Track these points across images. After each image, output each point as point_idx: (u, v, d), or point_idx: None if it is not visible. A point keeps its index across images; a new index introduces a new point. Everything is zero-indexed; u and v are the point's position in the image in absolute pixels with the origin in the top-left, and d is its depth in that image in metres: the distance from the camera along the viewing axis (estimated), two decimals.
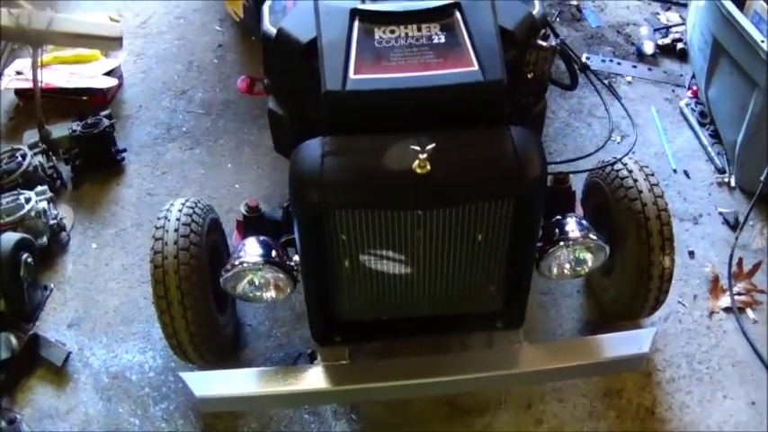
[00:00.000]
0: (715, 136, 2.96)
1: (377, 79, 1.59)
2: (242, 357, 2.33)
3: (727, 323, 2.41)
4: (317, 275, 1.78)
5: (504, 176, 1.59)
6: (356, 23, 1.68)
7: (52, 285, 2.56)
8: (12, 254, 2.35)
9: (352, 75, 1.59)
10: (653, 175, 2.13)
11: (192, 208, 2.09)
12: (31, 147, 2.85)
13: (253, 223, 2.08)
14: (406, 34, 1.66)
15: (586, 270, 1.98)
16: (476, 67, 1.61)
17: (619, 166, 2.14)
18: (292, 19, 1.75)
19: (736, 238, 2.59)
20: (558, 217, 1.97)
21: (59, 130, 2.95)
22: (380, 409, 2.17)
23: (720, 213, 2.72)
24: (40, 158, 2.81)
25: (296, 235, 1.72)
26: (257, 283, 1.92)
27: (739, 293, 2.46)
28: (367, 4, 1.72)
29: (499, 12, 1.73)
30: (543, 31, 1.78)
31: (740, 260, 2.52)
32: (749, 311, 2.43)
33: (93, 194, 2.86)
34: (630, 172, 2.12)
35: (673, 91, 3.24)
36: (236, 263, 1.87)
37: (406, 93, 1.58)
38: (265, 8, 1.84)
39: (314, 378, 1.89)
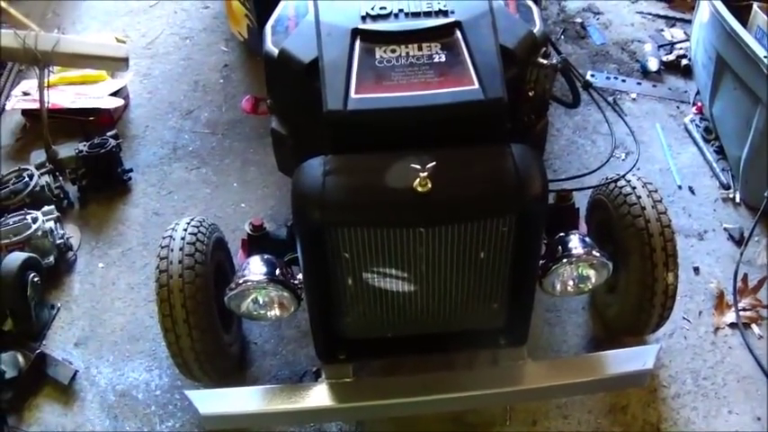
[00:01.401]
0: (720, 152, 2.96)
1: (378, 98, 1.60)
2: (248, 375, 2.33)
3: (733, 339, 2.40)
4: (321, 293, 1.79)
5: (505, 194, 1.60)
6: (357, 43, 1.70)
7: (59, 304, 2.58)
8: (19, 273, 2.37)
9: (353, 94, 1.60)
10: (656, 191, 2.14)
11: (198, 227, 2.10)
12: (38, 167, 2.88)
13: (257, 242, 2.10)
14: (407, 53, 1.67)
15: (590, 287, 1.99)
16: (476, 85, 1.63)
17: (622, 182, 2.14)
18: (294, 39, 1.77)
19: (741, 254, 2.58)
20: (562, 234, 1.97)
21: (66, 151, 2.98)
22: (386, 425, 2.16)
23: (725, 229, 2.71)
24: (47, 178, 2.84)
25: (299, 253, 1.73)
26: (261, 302, 1.93)
27: (744, 309, 2.45)
28: (368, 24, 1.74)
29: (500, 30, 1.74)
30: (544, 49, 1.80)
31: (745, 276, 2.51)
32: (754, 327, 2.42)
33: (99, 214, 2.89)
34: (634, 188, 2.12)
35: (677, 107, 3.24)
36: (241, 281, 1.88)
37: (407, 112, 1.60)
38: (268, 29, 1.87)
39: (318, 395, 1.90)
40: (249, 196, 2.91)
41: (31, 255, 2.48)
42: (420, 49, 1.68)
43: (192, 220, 2.13)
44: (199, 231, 2.09)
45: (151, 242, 2.75)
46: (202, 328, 1.99)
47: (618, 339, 2.31)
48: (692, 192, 2.87)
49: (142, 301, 2.58)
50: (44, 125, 2.90)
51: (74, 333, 2.50)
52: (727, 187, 2.85)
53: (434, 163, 1.48)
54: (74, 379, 2.35)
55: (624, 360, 1.97)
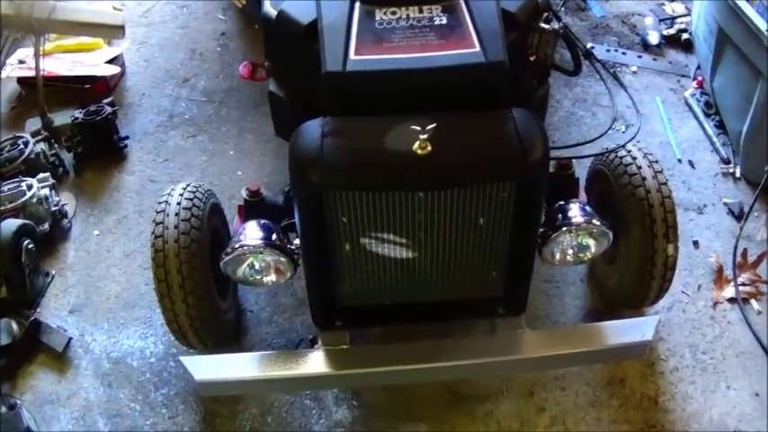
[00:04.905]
0: (720, 126, 2.94)
1: (377, 60, 1.57)
2: (243, 343, 2.32)
3: (732, 314, 2.39)
4: (318, 259, 1.77)
5: (506, 159, 1.57)
6: (357, 5, 1.67)
7: (54, 272, 2.56)
8: (13, 240, 2.35)
9: (352, 56, 1.57)
10: (657, 162, 2.12)
11: (194, 192, 2.08)
12: (34, 134, 2.86)
13: (254, 207, 2.08)
14: (408, 15, 1.64)
15: (589, 256, 1.97)
16: (477, 48, 1.60)
17: (622, 152, 2.12)
18: (293, 1, 1.74)
19: (741, 229, 2.56)
20: (562, 202, 1.96)
21: (61, 118, 2.95)
22: (382, 395, 2.16)
23: (725, 204, 2.70)
24: (42, 146, 2.82)
25: (296, 217, 1.71)
26: (257, 267, 1.91)
27: (743, 284, 2.44)
28: None
29: None
30: (546, 14, 1.77)
31: (745, 251, 2.50)
32: (753, 302, 2.41)
33: (95, 181, 2.86)
34: (634, 159, 2.10)
35: (678, 81, 3.21)
36: (237, 246, 1.86)
37: (407, 74, 1.57)
38: None
39: (314, 362, 1.88)
40: (246, 164, 2.89)
41: (25, 222, 2.46)
42: (421, 11, 1.65)
43: (188, 185, 2.11)
44: (195, 197, 2.07)
45: (147, 210, 2.73)
46: (198, 294, 1.97)
47: (616, 311, 2.29)
48: (692, 166, 2.85)
49: (137, 268, 2.56)
50: (39, 93, 2.87)
51: (68, 300, 2.48)
52: (727, 162, 2.83)
53: (435, 125, 1.46)
54: (68, 346, 2.34)
55: (623, 331, 1.96)
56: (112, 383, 2.25)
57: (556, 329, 2.25)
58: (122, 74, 3.25)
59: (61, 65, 3.07)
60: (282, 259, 1.87)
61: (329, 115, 1.59)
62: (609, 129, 2.02)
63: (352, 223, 1.68)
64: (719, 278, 2.46)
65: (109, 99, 2.94)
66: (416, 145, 1.49)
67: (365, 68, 1.56)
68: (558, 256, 1.95)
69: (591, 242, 1.94)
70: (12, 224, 2.39)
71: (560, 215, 1.91)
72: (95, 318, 2.43)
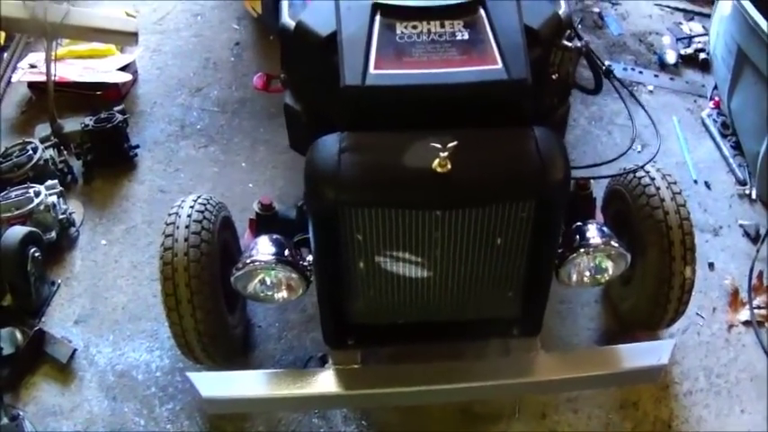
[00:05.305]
0: (736, 147, 2.91)
1: (397, 75, 1.55)
2: (251, 359, 2.29)
3: (746, 337, 2.36)
4: (331, 276, 1.74)
5: (527, 177, 1.54)
6: (377, 18, 1.64)
7: (60, 281, 2.52)
8: (19, 248, 2.31)
9: (372, 70, 1.55)
10: (675, 183, 2.09)
11: (205, 205, 2.05)
12: (43, 140, 2.83)
13: (266, 222, 2.05)
14: (429, 30, 1.61)
15: (606, 278, 1.94)
16: (500, 65, 1.57)
17: (641, 173, 2.09)
18: (312, 12, 1.72)
19: (758, 251, 2.53)
20: (579, 223, 1.92)
21: (71, 125, 2.92)
22: (392, 414, 2.12)
23: (741, 226, 2.67)
24: (51, 152, 2.79)
25: (310, 234, 1.68)
26: (269, 283, 1.88)
27: (759, 307, 2.41)
28: None
29: (524, 10, 1.68)
30: (568, 31, 1.74)
31: (761, 273, 2.46)
32: None
33: (104, 190, 2.83)
34: (653, 180, 2.08)
35: (695, 101, 3.19)
36: (248, 261, 1.84)
37: (427, 89, 1.54)
38: (284, 1, 1.81)
39: (324, 382, 1.85)
40: (257, 176, 2.86)
41: (32, 229, 2.42)
42: (442, 26, 1.62)
43: (198, 197, 2.08)
44: (206, 209, 2.04)
45: (156, 220, 2.70)
46: (207, 308, 1.93)
47: (631, 333, 2.27)
48: (708, 186, 2.81)
49: (145, 279, 2.53)
50: (50, 98, 2.84)
51: (74, 310, 2.45)
52: (743, 183, 2.80)
53: (456, 142, 1.42)
54: (72, 357, 2.30)
55: (639, 354, 1.93)
56: (117, 396, 2.22)
57: (570, 352, 2.21)
58: (134, 81, 3.22)
59: (73, 70, 3.05)
60: (294, 276, 1.85)
61: (346, 129, 1.56)
62: (628, 149, 1.99)
63: (367, 241, 1.65)
64: (735, 301, 2.42)
65: (120, 107, 2.91)
66: (436, 162, 1.46)
67: (384, 83, 1.53)
68: (574, 277, 1.92)
69: (609, 264, 1.91)
70: (18, 231, 2.36)
71: (578, 236, 1.89)
72: (101, 329, 2.39)
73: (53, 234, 2.56)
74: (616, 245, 1.87)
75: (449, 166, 1.46)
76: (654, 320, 2.13)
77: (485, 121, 1.56)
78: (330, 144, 1.53)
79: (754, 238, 2.62)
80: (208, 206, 2.05)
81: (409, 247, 1.66)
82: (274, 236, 1.91)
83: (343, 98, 1.55)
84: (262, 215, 2.05)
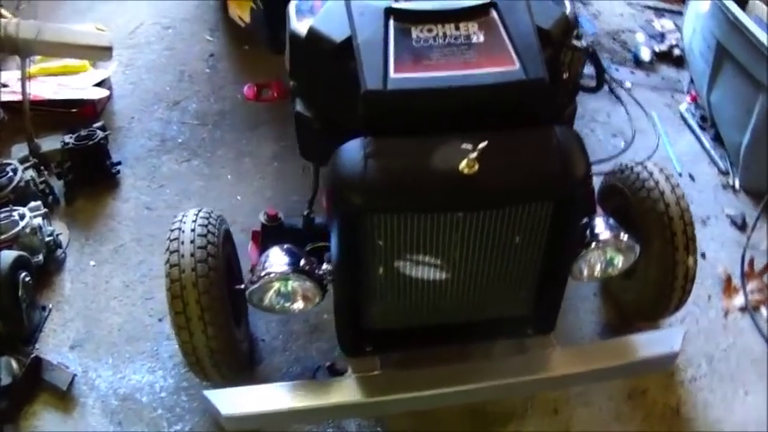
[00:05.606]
0: (716, 139, 2.99)
1: (419, 78, 1.54)
2: (257, 373, 2.25)
3: (743, 322, 2.42)
4: (352, 284, 1.72)
5: (552, 176, 1.55)
6: (391, 23, 1.63)
7: (50, 305, 2.44)
8: (9, 273, 2.23)
9: (392, 74, 1.54)
10: (673, 176, 2.14)
11: (207, 218, 2.01)
12: (22, 161, 2.73)
13: (272, 233, 2.02)
14: (444, 33, 1.61)
15: (617, 271, 1.96)
16: (517, 65, 1.58)
17: (638, 168, 2.13)
18: (324, 19, 1.70)
19: (748, 239, 2.61)
20: (586, 219, 1.95)
21: (49, 144, 2.84)
22: (405, 420, 2.10)
23: (727, 215, 2.74)
24: (31, 173, 2.69)
25: (333, 241, 1.66)
26: (284, 294, 1.86)
27: (752, 292, 2.47)
28: (401, 3, 1.67)
29: (534, 11, 1.70)
30: (576, 31, 1.77)
31: (752, 260, 2.54)
32: (763, 310, 2.44)
33: (87, 209, 2.75)
34: (651, 173, 2.12)
35: (672, 96, 3.27)
36: (263, 274, 1.81)
37: (449, 92, 1.54)
38: (291, 8, 1.78)
39: (347, 390, 1.83)
40: (245, 188, 2.82)
41: (21, 253, 2.33)
42: (457, 28, 1.62)
43: (199, 211, 2.04)
44: (209, 223, 2.00)
45: (144, 238, 2.64)
46: (218, 325, 1.89)
47: (631, 325, 2.30)
48: (692, 178, 2.88)
49: (139, 299, 2.46)
50: (26, 117, 2.75)
51: (68, 335, 2.36)
52: (725, 173, 2.88)
53: (486, 142, 1.43)
54: (72, 384, 2.22)
55: (652, 343, 1.97)
56: (122, 421, 2.15)
57: (585, 345, 2.24)
58: (109, 97, 3.14)
59: (46, 88, 2.96)
60: (311, 285, 1.82)
61: (366, 134, 1.55)
62: (628, 147, 2.02)
63: (388, 246, 1.64)
64: (728, 288, 2.49)
65: (99, 123, 2.83)
66: (464, 164, 1.46)
67: (406, 87, 1.53)
68: (585, 272, 1.94)
69: (619, 257, 1.93)
70: (8, 256, 2.27)
71: (588, 231, 1.90)
72: (98, 353, 2.32)
73: (40, 257, 2.47)
74: (625, 238, 1.90)
75: (476, 168, 1.46)
76: (658, 310, 2.17)
77: (504, 122, 1.57)
78: (354, 150, 1.51)
79: (741, 226, 2.69)
80: (210, 219, 2.01)
81: (429, 250, 1.66)
82: (285, 246, 1.88)
83: (365, 103, 1.54)
84: (268, 226, 2.02)
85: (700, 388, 2.24)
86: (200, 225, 1.97)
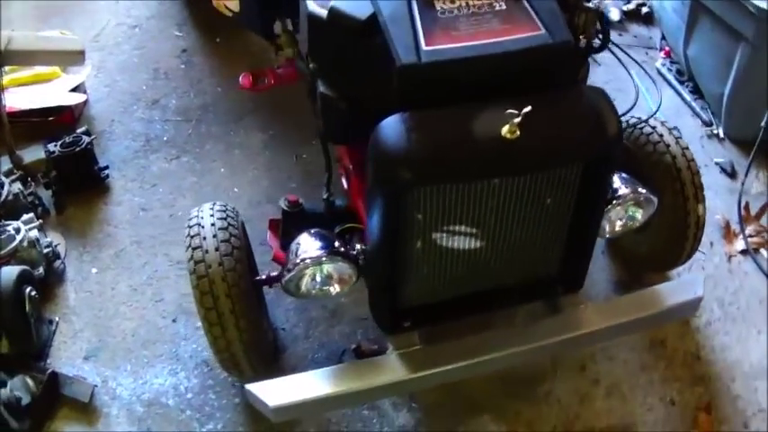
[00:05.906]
0: (695, 91, 3.06)
1: (451, 49, 1.53)
2: (283, 362, 2.23)
3: (746, 264, 2.51)
4: (392, 261, 1.72)
5: (591, 136, 1.57)
6: None
7: (57, 318, 2.37)
8: (15, 289, 2.14)
9: (424, 46, 1.53)
10: (676, 128, 2.19)
11: (224, 211, 1.98)
12: (6, 174, 2.63)
13: (294, 219, 1.99)
14: (467, 3, 1.61)
15: (637, 224, 2.01)
16: (542, 30, 1.59)
17: (641, 124, 2.18)
18: None
19: (742, 184, 2.69)
20: None
21: (31, 155, 2.74)
22: (437, 394, 2.11)
23: (717, 164, 2.82)
24: (18, 186, 2.59)
25: (375, 219, 1.65)
26: (320, 279, 1.85)
27: (751, 236, 2.56)
28: None
29: None
30: None
31: (747, 204, 2.62)
32: (763, 251, 2.53)
33: (80, 217, 2.67)
34: (654, 128, 2.17)
35: (646, 53, 3.33)
36: (299, 261, 1.79)
37: (482, 60, 1.54)
38: None
39: (391, 368, 1.83)
40: (239, 180, 2.78)
41: (24, 267, 2.25)
42: None
43: (214, 204, 2.00)
44: (227, 216, 1.97)
45: (144, 239, 2.59)
46: (250, 317, 1.87)
47: (640, 278, 2.36)
48: (678, 131, 2.94)
49: (149, 302, 2.41)
50: (6, 129, 2.64)
51: (80, 346, 2.30)
52: (709, 124, 2.96)
53: (530, 107, 1.43)
54: (92, 395, 2.17)
55: (678, 291, 2.02)
56: (151, 427, 2.11)
57: (614, 300, 2.28)
58: (85, 102, 3.04)
59: (20, 98, 2.85)
60: (346, 266, 1.81)
61: (400, 109, 1.54)
62: (633, 106, 2.05)
63: (427, 219, 1.64)
64: (728, 233, 2.57)
65: (83, 128, 2.75)
66: (506, 129, 1.47)
67: (440, 58, 1.51)
68: (607, 228, 1.98)
69: (639, 211, 1.98)
70: (11, 271, 2.18)
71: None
72: (114, 361, 2.27)
73: (41, 270, 2.39)
74: (644, 191, 1.95)
75: (518, 133, 1.47)
76: (672, 259, 2.22)
77: (533, 86, 1.58)
78: (396, 125, 1.50)
79: (731, 173, 2.78)
80: (228, 212, 1.98)
81: (466, 219, 1.66)
82: (314, 230, 1.87)
83: (400, 77, 1.52)
84: (290, 212, 2.00)
85: (715, 332, 2.31)
86: (219, 219, 1.94)
